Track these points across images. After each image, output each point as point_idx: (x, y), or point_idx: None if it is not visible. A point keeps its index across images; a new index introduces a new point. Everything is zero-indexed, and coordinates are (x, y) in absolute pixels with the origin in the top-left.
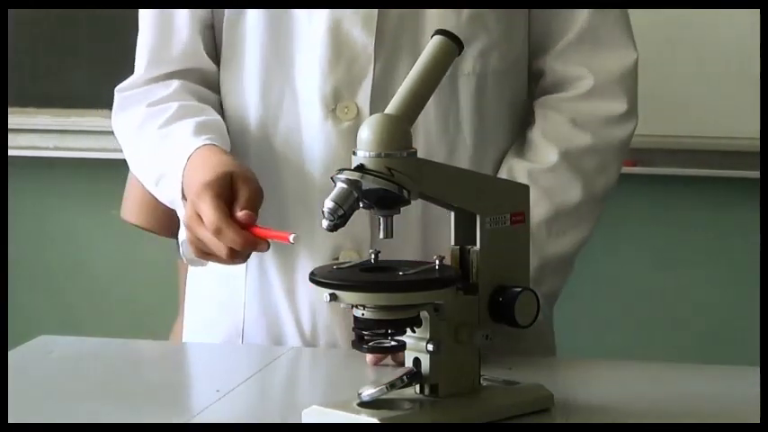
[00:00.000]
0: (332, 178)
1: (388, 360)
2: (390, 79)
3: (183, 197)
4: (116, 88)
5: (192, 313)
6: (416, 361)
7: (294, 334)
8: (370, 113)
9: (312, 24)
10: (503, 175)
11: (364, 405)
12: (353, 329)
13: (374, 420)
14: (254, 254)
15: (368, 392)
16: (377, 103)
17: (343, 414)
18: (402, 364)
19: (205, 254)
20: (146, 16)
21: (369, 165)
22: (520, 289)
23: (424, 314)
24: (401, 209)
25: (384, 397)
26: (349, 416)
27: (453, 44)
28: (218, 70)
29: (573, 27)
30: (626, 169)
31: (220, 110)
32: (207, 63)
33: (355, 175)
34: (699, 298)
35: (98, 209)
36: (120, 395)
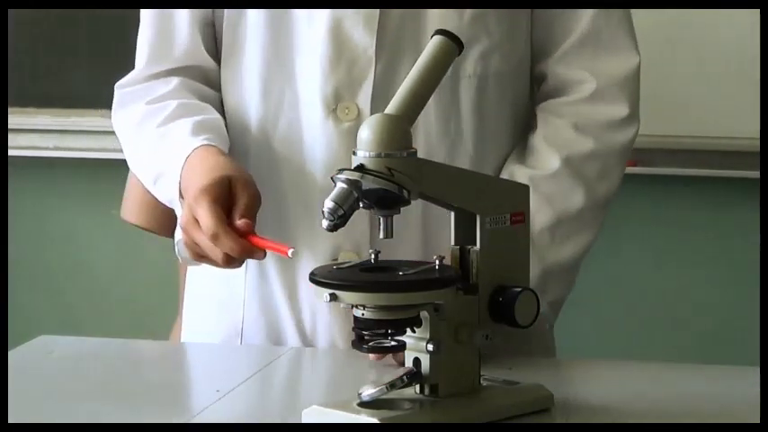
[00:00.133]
0: (332, 178)
1: (389, 359)
2: (391, 80)
3: (181, 197)
4: (116, 84)
5: (190, 313)
6: (416, 361)
7: (293, 334)
8: (371, 114)
9: (313, 25)
10: None
11: (364, 405)
12: (353, 329)
13: (374, 420)
14: None
15: (368, 392)
16: (378, 103)
17: (343, 414)
18: (402, 363)
19: (201, 257)
20: (147, 13)
21: (369, 165)
22: (520, 289)
23: (424, 314)
24: (401, 209)
25: (384, 397)
26: (349, 416)
27: (453, 44)
28: (219, 68)
29: (575, 30)
30: (626, 169)
31: (221, 107)
32: (207, 61)
33: (355, 175)
34: (699, 298)
35: (98, 209)
36: (120, 395)
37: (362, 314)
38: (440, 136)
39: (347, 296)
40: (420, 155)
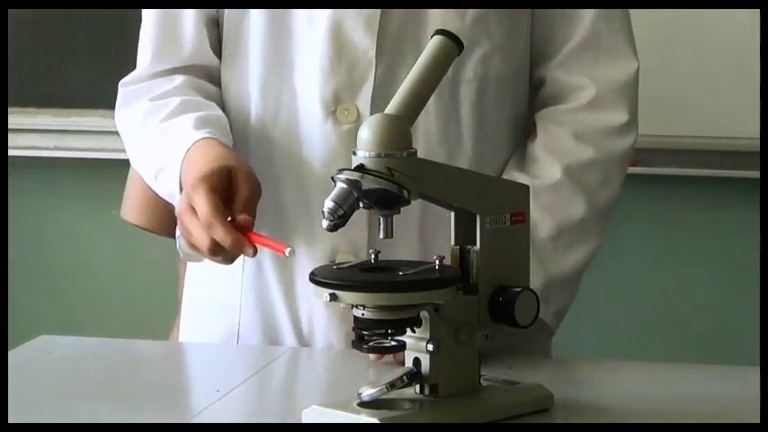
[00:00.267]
0: (332, 178)
1: (387, 357)
2: (392, 82)
3: (181, 190)
4: (120, 82)
5: (188, 313)
6: (416, 361)
7: (290, 335)
8: None
9: (313, 26)
10: None
11: (364, 405)
12: (353, 329)
13: (374, 420)
14: None
15: (368, 392)
16: (378, 106)
17: (343, 414)
18: (402, 363)
19: (193, 246)
20: (150, 11)
21: (369, 165)
22: (520, 289)
23: (424, 314)
24: (400, 209)
25: (384, 397)
26: (349, 416)
27: (453, 44)
28: None
29: (575, 34)
30: (626, 169)
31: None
32: (212, 59)
33: (355, 175)
34: (699, 298)
35: (98, 209)
36: (120, 395)
37: (362, 314)
38: (440, 139)
39: (347, 296)
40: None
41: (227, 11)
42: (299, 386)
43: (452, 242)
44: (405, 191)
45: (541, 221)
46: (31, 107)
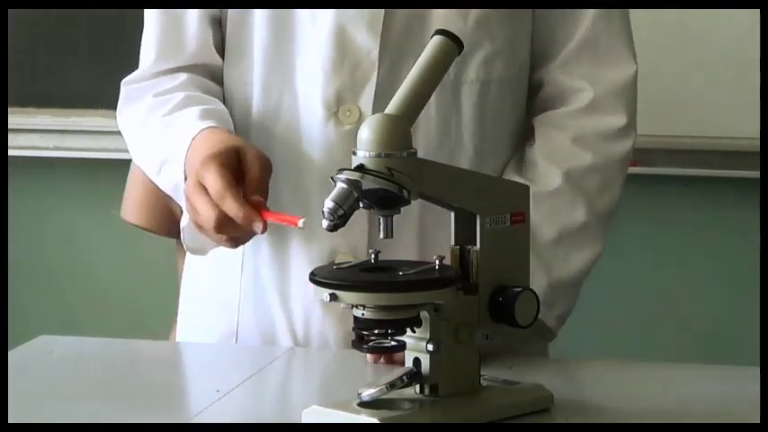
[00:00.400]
0: (332, 178)
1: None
2: (394, 83)
3: (186, 180)
4: (123, 81)
5: (186, 312)
6: (416, 361)
7: (287, 337)
8: None
9: (316, 26)
10: None
11: (364, 405)
12: (353, 329)
13: (374, 420)
14: (249, 256)
15: (368, 392)
16: (380, 106)
17: (343, 414)
18: (402, 363)
19: (198, 227)
20: (152, 11)
21: (369, 165)
22: (520, 289)
23: (424, 314)
24: (400, 209)
25: (384, 397)
26: (349, 416)
27: (453, 44)
28: None
29: (574, 37)
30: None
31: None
32: (215, 58)
33: (355, 175)
34: (699, 298)
35: (98, 209)
36: (120, 395)
37: (362, 314)
38: (441, 141)
39: (347, 296)
40: None
41: (230, 11)
42: (298, 386)
43: (452, 242)
44: (405, 191)
45: (543, 227)
46: (31, 107)
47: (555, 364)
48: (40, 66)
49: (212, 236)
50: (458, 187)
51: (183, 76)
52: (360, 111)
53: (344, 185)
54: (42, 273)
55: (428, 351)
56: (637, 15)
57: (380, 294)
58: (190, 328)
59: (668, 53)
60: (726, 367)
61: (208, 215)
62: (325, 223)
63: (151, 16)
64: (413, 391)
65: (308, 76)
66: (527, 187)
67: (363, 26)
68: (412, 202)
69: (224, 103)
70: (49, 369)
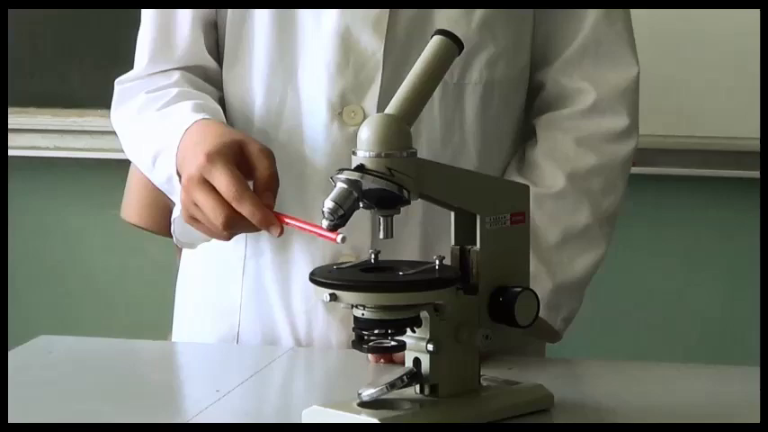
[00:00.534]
0: (332, 178)
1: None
2: (398, 84)
3: (178, 173)
4: (116, 81)
5: (183, 320)
6: (416, 361)
7: (289, 338)
8: None
9: (320, 27)
10: None
11: (364, 405)
12: (353, 329)
13: (374, 420)
14: (251, 259)
15: (368, 392)
16: (384, 107)
17: (343, 414)
18: (402, 363)
19: (195, 220)
20: (148, 12)
21: (369, 165)
22: (520, 289)
23: (424, 314)
24: (401, 209)
25: (384, 397)
26: (349, 416)
27: (453, 44)
28: (220, 68)
29: (576, 38)
30: None
31: (221, 105)
32: (208, 61)
33: (355, 175)
34: (699, 298)
35: (98, 209)
36: (120, 395)
37: (362, 314)
38: (444, 143)
39: (347, 296)
40: None
41: (229, 12)
42: (298, 386)
43: (452, 242)
44: (405, 191)
45: (547, 230)
46: (31, 107)
47: (555, 364)
48: (40, 66)
49: (215, 233)
50: (458, 187)
51: (176, 75)
52: (364, 112)
53: (344, 185)
54: (42, 273)
55: (428, 351)
56: (637, 15)
57: (380, 294)
58: (188, 335)
59: (668, 53)
60: (726, 367)
61: (215, 213)
62: (325, 223)
63: (147, 17)
64: (413, 391)
65: (311, 77)
66: (527, 187)
67: (368, 27)
68: (413, 202)
69: (222, 105)
70: (49, 369)
